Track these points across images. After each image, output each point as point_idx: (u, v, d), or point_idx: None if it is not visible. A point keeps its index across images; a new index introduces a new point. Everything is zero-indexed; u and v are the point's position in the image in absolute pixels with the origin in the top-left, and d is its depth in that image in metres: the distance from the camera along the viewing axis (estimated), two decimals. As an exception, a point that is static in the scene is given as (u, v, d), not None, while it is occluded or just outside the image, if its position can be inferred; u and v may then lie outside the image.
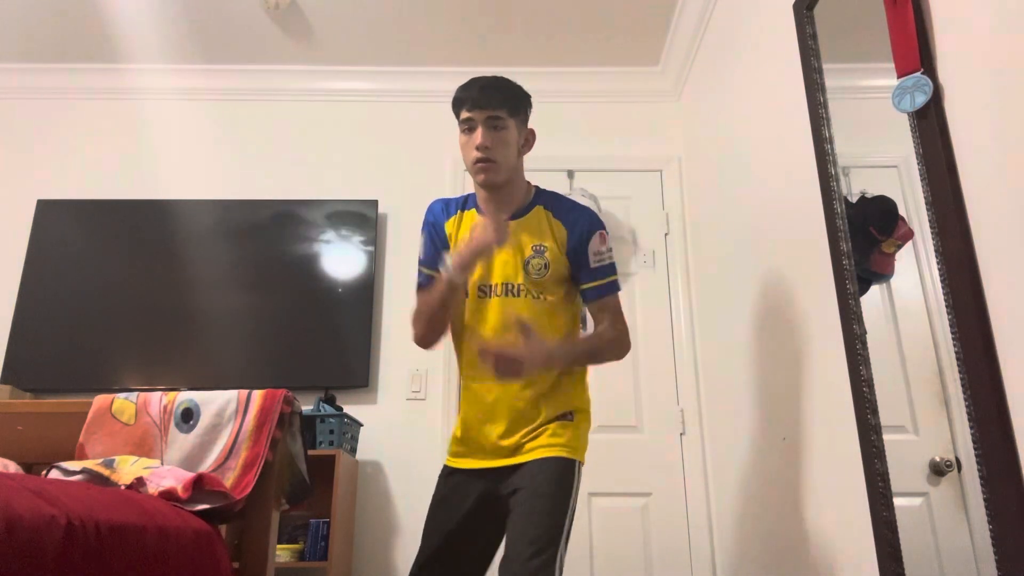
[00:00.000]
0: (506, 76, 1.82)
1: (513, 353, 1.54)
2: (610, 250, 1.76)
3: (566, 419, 1.66)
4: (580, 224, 1.74)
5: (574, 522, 1.59)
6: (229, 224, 3.11)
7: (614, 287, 1.75)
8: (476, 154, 1.69)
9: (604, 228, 1.77)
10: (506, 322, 1.68)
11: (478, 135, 1.69)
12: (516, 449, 1.64)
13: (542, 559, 1.46)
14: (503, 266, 1.72)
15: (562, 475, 1.59)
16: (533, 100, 1.85)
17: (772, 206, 2.13)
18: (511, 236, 1.70)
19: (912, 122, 1.34)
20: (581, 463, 1.65)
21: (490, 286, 1.73)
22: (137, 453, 1.56)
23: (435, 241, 1.83)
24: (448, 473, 1.72)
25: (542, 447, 1.61)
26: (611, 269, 1.75)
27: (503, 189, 1.75)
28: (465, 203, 1.83)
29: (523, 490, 1.57)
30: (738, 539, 2.44)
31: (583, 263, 1.72)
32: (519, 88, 1.79)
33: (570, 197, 1.86)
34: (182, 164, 3.27)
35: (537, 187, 1.83)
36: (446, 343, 1.81)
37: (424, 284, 1.81)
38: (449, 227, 1.82)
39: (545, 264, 1.71)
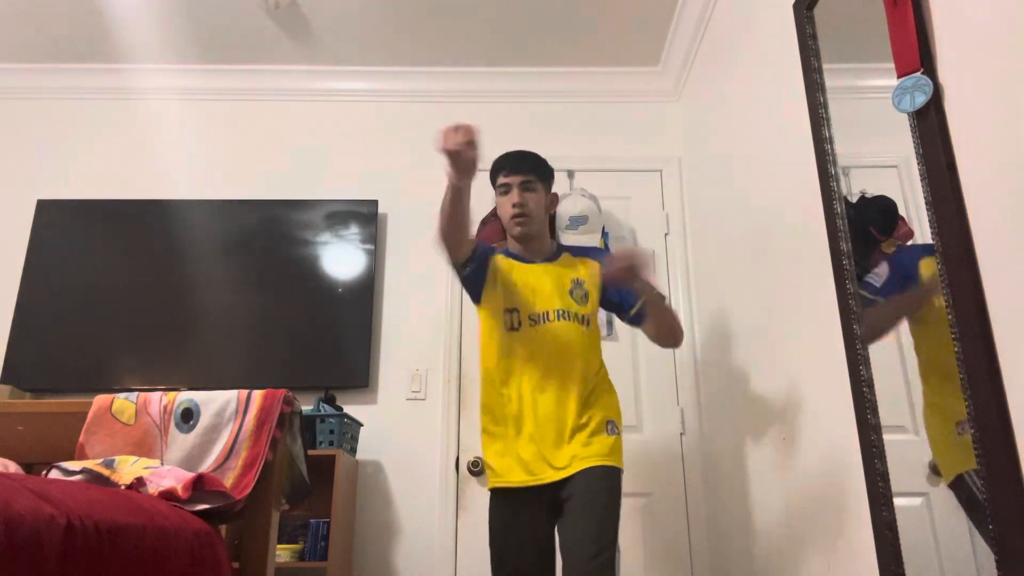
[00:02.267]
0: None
1: (635, 251, 1.86)
2: None
3: (611, 431, 1.90)
4: (606, 257, 2.02)
5: None
6: (229, 224, 3.11)
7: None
8: (513, 210, 2.01)
9: None
10: (564, 345, 1.92)
11: (514, 195, 2.01)
12: (572, 460, 1.84)
13: (605, 557, 1.70)
14: (550, 297, 1.98)
15: (612, 483, 1.83)
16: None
17: (772, 206, 2.13)
18: (554, 272, 2.02)
19: (912, 122, 1.34)
20: (622, 471, 1.89)
21: (543, 313, 1.96)
22: (137, 453, 1.56)
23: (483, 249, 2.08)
24: (505, 495, 1.90)
25: (595, 456, 1.83)
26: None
27: (533, 241, 2.06)
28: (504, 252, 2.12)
29: (579, 496, 1.79)
30: (738, 539, 2.44)
31: (628, 291, 1.99)
32: (545, 160, 2.11)
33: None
34: (182, 164, 3.26)
35: (558, 242, 2.17)
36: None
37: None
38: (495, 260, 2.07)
39: (585, 294, 2.00)
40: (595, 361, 1.99)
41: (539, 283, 2.01)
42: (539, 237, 2.07)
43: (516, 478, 1.87)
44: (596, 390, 1.94)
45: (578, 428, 1.87)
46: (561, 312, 1.96)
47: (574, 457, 1.83)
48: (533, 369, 1.92)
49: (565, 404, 1.88)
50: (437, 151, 1.73)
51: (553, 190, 2.14)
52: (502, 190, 2.06)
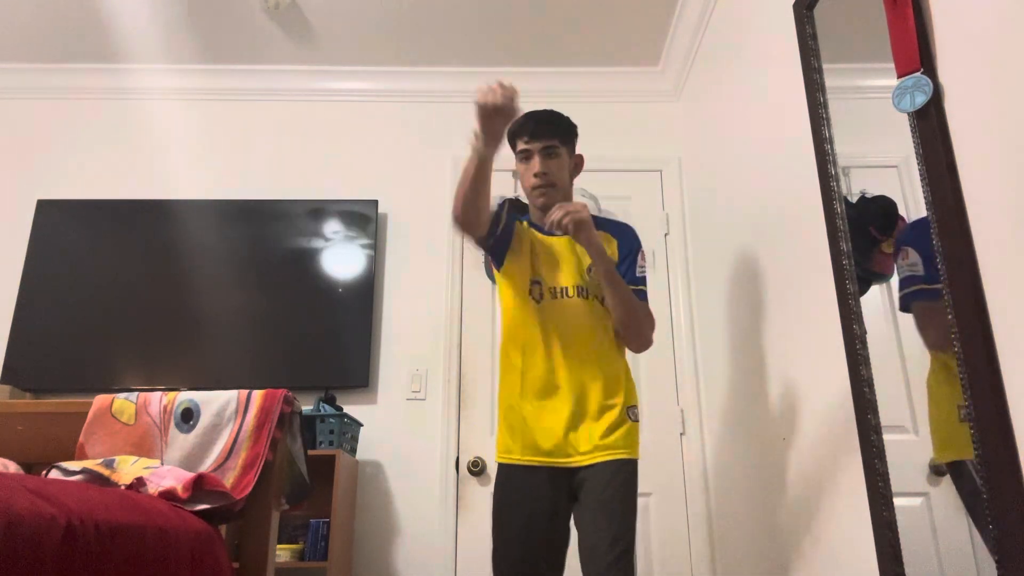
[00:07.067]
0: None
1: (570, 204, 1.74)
2: (645, 267, 1.97)
3: (633, 416, 1.86)
4: (628, 236, 1.98)
5: None
6: (229, 224, 3.11)
7: (644, 296, 1.94)
8: (535, 180, 1.88)
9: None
10: (585, 323, 1.84)
11: (535, 163, 1.88)
12: (593, 447, 1.77)
13: (626, 557, 1.65)
14: (570, 272, 1.88)
15: (630, 476, 1.78)
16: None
17: (772, 206, 2.13)
18: (574, 247, 1.89)
19: (912, 122, 1.34)
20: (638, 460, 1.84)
21: (563, 288, 1.87)
22: (137, 453, 1.56)
23: (505, 217, 1.90)
24: (514, 473, 1.82)
25: (616, 449, 1.78)
26: (645, 282, 1.95)
27: None
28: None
29: (598, 490, 1.73)
30: (738, 539, 2.44)
31: (630, 270, 1.91)
32: (568, 119, 1.97)
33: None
34: (182, 164, 3.26)
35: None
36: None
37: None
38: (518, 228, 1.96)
39: None
40: (615, 343, 1.90)
41: (560, 257, 1.91)
42: None
43: (531, 457, 1.80)
44: (618, 374, 1.86)
45: (602, 411, 1.80)
46: (580, 288, 1.87)
47: (596, 445, 1.76)
48: (555, 343, 1.83)
49: (588, 384, 1.81)
50: (475, 104, 1.61)
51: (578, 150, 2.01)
52: (522, 156, 1.91)
